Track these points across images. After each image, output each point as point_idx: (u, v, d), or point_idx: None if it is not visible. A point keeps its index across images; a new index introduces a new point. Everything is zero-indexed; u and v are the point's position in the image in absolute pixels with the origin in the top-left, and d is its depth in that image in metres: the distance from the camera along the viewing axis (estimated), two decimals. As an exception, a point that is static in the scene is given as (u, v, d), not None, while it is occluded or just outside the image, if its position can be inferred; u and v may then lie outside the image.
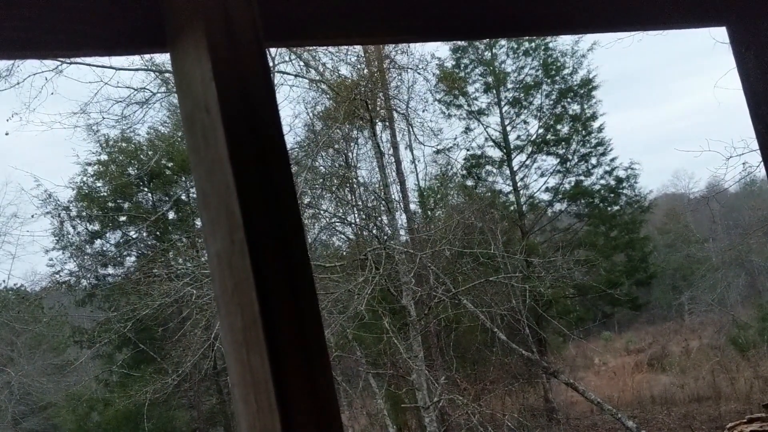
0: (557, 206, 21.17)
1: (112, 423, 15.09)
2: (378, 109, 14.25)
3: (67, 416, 16.30)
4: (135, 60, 12.32)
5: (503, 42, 19.99)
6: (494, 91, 20.39)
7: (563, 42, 19.94)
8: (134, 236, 18.31)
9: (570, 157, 20.28)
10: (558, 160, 20.30)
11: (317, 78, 13.32)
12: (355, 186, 14.62)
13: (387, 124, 15.35)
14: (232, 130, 0.83)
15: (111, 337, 13.44)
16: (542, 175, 20.41)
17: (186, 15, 0.88)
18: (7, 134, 13.53)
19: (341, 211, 14.28)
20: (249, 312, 0.81)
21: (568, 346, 20.56)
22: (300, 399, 0.80)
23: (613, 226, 21.06)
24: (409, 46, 13.97)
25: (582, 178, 20.51)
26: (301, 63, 13.08)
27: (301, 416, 0.79)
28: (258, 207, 0.82)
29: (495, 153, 20.61)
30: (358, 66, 13.69)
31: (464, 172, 20.42)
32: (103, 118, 13.16)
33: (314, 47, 12.27)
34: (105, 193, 17.97)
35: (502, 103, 20.45)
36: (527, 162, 20.47)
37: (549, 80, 20.11)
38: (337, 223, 14.46)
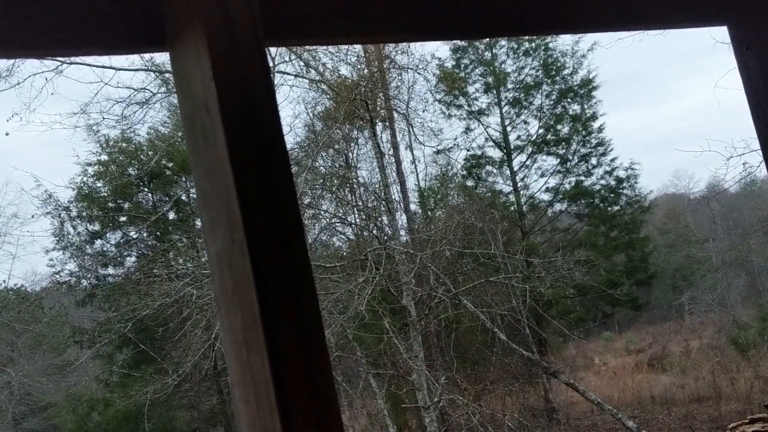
0: (557, 206, 21.19)
1: (113, 423, 15.09)
2: (378, 109, 14.25)
3: (68, 416, 16.30)
4: (135, 60, 12.33)
5: (503, 42, 19.99)
6: (494, 92, 20.40)
7: (563, 42, 19.97)
8: (134, 236, 18.32)
9: (570, 157, 20.29)
10: (558, 160, 20.32)
11: (317, 78, 13.32)
12: (355, 186, 14.62)
13: (387, 124, 15.35)
14: (232, 130, 0.83)
15: (111, 338, 13.45)
16: (542, 175, 20.44)
17: (186, 14, 0.88)
18: (7, 134, 13.53)
19: (341, 211, 14.29)
20: (249, 312, 0.81)
21: (568, 346, 20.57)
22: (300, 399, 0.79)
23: (613, 226, 21.06)
24: (409, 47, 13.98)
25: (582, 178, 20.53)
26: (301, 63, 13.09)
27: (301, 416, 0.79)
28: (258, 207, 0.82)
29: (495, 153, 20.65)
30: (358, 66, 13.70)
31: (464, 172, 20.43)
32: (104, 118, 13.18)
33: (314, 47, 12.28)
34: (105, 194, 17.98)
35: (503, 104, 20.46)
36: (527, 162, 20.49)
37: (549, 80, 20.12)
38: (337, 224, 14.47)
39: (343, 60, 13.33)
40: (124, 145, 17.87)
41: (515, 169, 20.50)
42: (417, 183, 18.48)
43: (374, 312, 11.12)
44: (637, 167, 20.55)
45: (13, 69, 11.28)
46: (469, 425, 11.12)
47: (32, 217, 20.28)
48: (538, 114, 20.27)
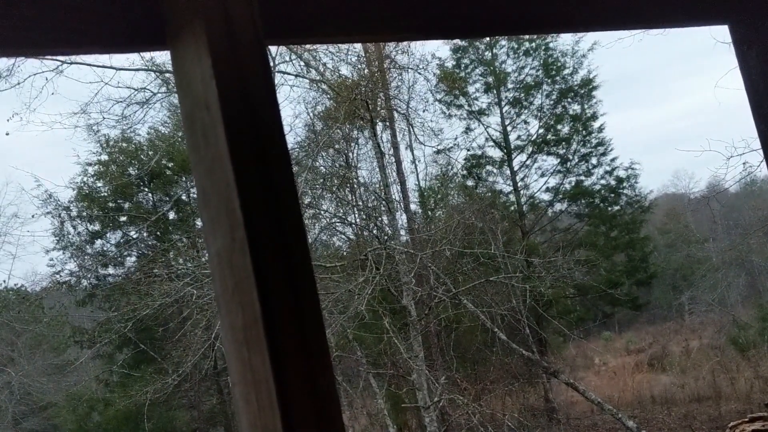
0: (557, 206, 21.18)
1: (113, 423, 15.09)
2: (378, 109, 14.25)
3: (68, 416, 16.30)
4: (135, 60, 12.33)
5: (504, 42, 19.99)
6: (495, 91, 20.39)
7: (563, 42, 19.96)
8: (135, 236, 18.31)
9: (570, 157, 20.28)
10: (558, 160, 20.31)
11: (318, 78, 13.32)
12: (355, 186, 14.62)
13: (387, 124, 15.35)
14: (232, 129, 0.83)
15: (111, 337, 13.44)
16: (542, 175, 20.44)
17: (186, 13, 0.88)
18: (7, 134, 13.55)
19: (342, 211, 14.29)
20: (250, 311, 0.81)
21: (568, 346, 20.57)
22: (301, 398, 0.79)
23: (613, 226, 21.06)
24: (409, 46, 13.98)
25: (582, 178, 20.53)
26: (302, 63, 13.09)
27: (301, 415, 0.79)
28: (258, 205, 0.82)
29: (495, 153, 20.64)
30: (359, 66, 13.70)
31: (464, 172, 20.43)
32: (104, 118, 13.17)
33: (315, 47, 12.28)
34: (105, 193, 17.98)
35: (503, 103, 20.45)
36: (527, 162, 20.48)
37: (549, 80, 20.11)
38: (337, 223, 14.47)
39: (343, 60, 13.34)
40: (124, 145, 17.87)
41: (515, 168, 20.50)
42: (417, 183, 18.50)
43: (374, 312, 11.12)
44: (637, 167, 20.57)
45: (13, 69, 11.29)
46: (469, 425, 11.12)
47: (32, 217, 20.32)
48: (539, 114, 20.27)
